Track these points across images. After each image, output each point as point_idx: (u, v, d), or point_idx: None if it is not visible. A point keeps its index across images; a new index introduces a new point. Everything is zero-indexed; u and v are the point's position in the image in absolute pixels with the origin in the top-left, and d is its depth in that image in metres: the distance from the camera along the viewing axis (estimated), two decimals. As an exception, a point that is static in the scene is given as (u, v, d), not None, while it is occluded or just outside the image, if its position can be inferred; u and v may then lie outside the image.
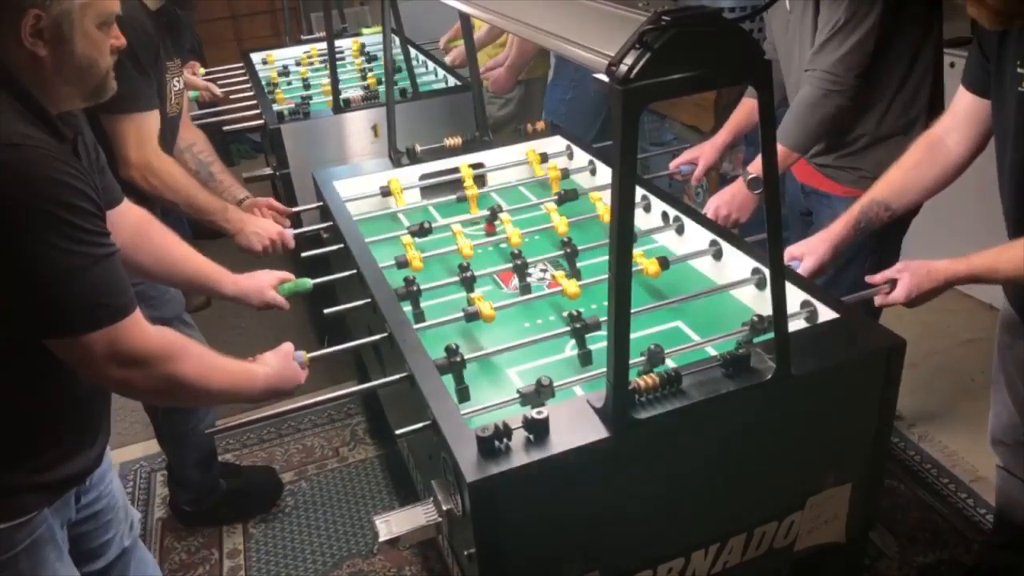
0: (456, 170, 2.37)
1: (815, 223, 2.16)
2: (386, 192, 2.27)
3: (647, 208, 2.10)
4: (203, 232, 2.14)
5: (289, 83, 3.45)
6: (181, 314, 2.20)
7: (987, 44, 1.52)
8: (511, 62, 3.39)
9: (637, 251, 1.79)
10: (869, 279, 1.69)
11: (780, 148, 2.00)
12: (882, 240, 1.95)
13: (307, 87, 3.32)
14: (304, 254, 2.11)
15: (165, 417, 2.33)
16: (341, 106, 2.82)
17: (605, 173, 2.32)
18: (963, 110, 1.65)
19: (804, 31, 2.00)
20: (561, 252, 1.88)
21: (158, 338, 1.26)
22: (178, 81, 2.15)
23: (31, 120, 1.16)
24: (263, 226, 2.13)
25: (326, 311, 1.81)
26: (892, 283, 1.64)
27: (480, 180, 2.37)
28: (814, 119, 1.97)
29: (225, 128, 3.04)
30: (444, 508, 1.30)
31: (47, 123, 1.19)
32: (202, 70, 3.46)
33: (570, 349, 1.62)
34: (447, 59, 3.52)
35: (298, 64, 3.65)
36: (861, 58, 1.90)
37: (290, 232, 2.16)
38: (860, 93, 1.94)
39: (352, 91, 3.04)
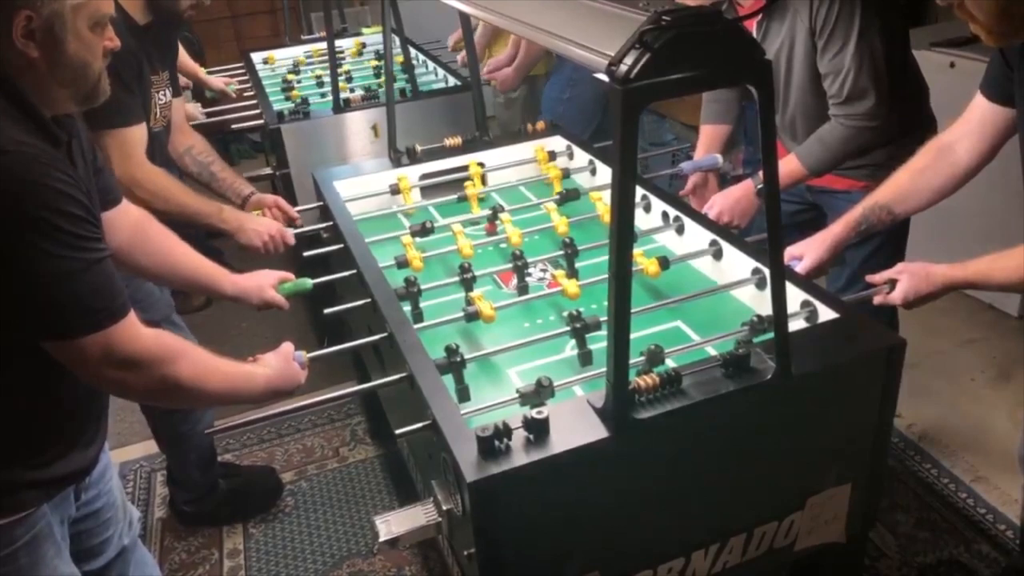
0: (456, 170, 2.37)
1: (830, 219, 2.15)
2: (395, 190, 2.27)
3: (647, 208, 2.10)
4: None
5: (300, 82, 3.46)
6: (170, 315, 2.20)
7: (1009, 52, 1.51)
8: (519, 63, 3.40)
9: (637, 251, 1.79)
10: (869, 279, 1.70)
11: (797, 167, 2.01)
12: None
13: (320, 84, 3.33)
14: (305, 254, 2.11)
15: (161, 418, 2.33)
16: (341, 106, 2.82)
17: (605, 173, 2.32)
18: (977, 118, 1.64)
19: (795, 57, 2.01)
20: (561, 252, 1.88)
21: (153, 341, 1.26)
22: (164, 95, 2.14)
23: (24, 124, 1.16)
24: (262, 223, 2.14)
25: (326, 311, 1.81)
26: (892, 283, 1.64)
27: (480, 180, 2.38)
28: (849, 147, 1.98)
29: (233, 127, 3.05)
30: (444, 508, 1.30)
31: (40, 127, 1.19)
32: (202, 71, 3.47)
33: (570, 349, 1.62)
34: (459, 59, 3.53)
35: (296, 66, 3.67)
36: (887, 89, 1.91)
37: (291, 230, 2.17)
38: None
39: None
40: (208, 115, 3.22)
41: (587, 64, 1.14)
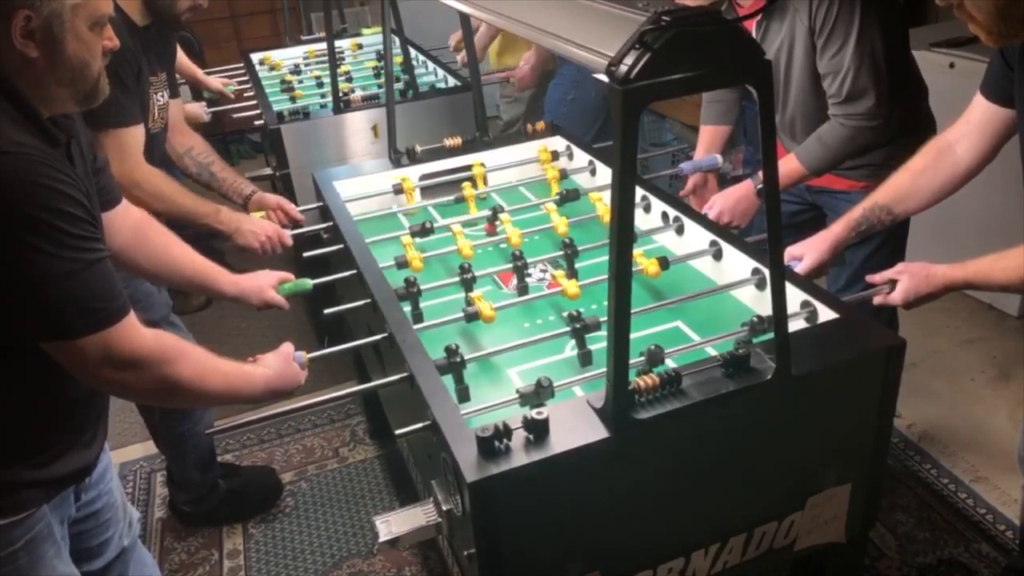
0: (456, 170, 2.37)
1: (830, 219, 2.15)
2: (399, 190, 2.27)
3: (647, 208, 2.10)
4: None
5: (301, 82, 3.45)
6: (168, 316, 2.19)
7: (1009, 53, 1.51)
8: (533, 63, 3.46)
9: (637, 251, 1.79)
10: (869, 279, 1.70)
11: (797, 167, 2.01)
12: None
13: (320, 85, 3.33)
14: (305, 254, 2.11)
15: (160, 419, 2.33)
16: (341, 106, 2.83)
17: (605, 173, 2.32)
18: (978, 118, 1.64)
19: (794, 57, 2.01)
20: (561, 252, 1.88)
21: (153, 341, 1.26)
22: (162, 96, 2.14)
23: (23, 125, 1.16)
24: (259, 224, 2.13)
25: (326, 311, 1.81)
26: (892, 283, 1.64)
27: (482, 180, 2.37)
28: (849, 147, 1.98)
29: (246, 128, 3.05)
30: (444, 508, 1.30)
31: (39, 127, 1.19)
32: (201, 72, 3.46)
33: (570, 349, 1.62)
34: (459, 59, 3.54)
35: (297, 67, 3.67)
36: (887, 89, 1.91)
37: (288, 231, 2.16)
38: None
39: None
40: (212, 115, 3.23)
41: (587, 64, 1.14)
